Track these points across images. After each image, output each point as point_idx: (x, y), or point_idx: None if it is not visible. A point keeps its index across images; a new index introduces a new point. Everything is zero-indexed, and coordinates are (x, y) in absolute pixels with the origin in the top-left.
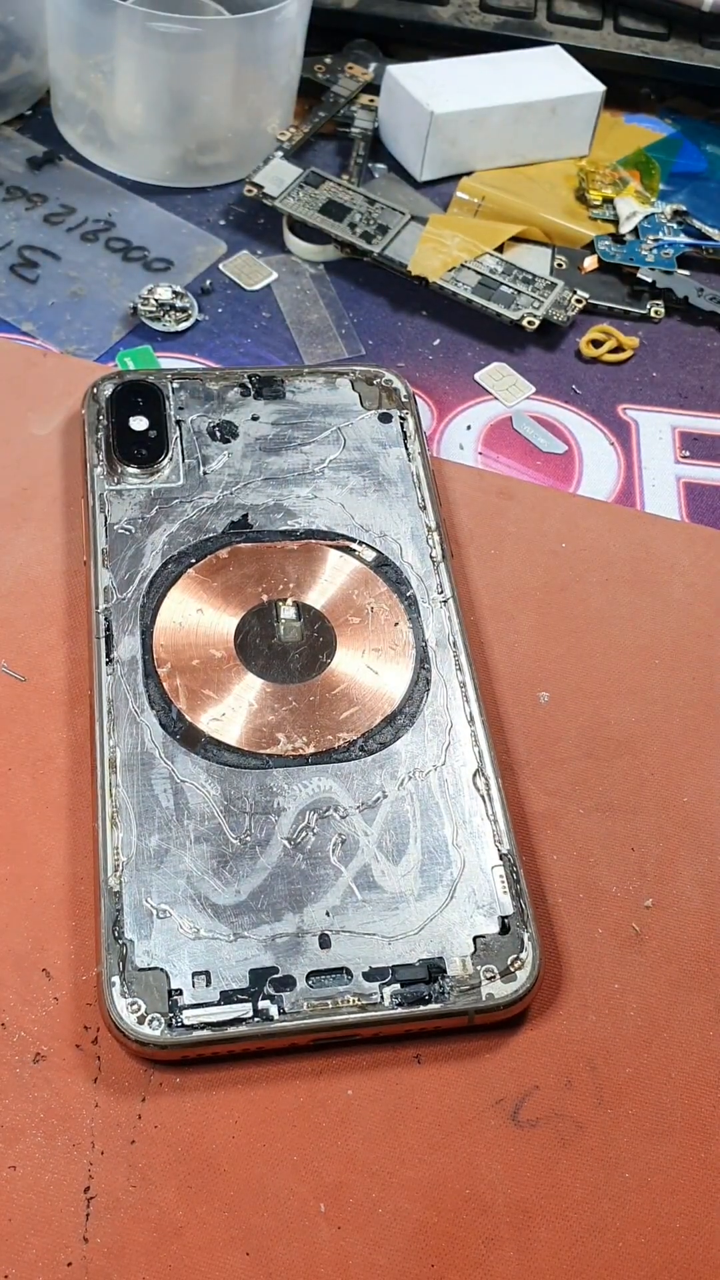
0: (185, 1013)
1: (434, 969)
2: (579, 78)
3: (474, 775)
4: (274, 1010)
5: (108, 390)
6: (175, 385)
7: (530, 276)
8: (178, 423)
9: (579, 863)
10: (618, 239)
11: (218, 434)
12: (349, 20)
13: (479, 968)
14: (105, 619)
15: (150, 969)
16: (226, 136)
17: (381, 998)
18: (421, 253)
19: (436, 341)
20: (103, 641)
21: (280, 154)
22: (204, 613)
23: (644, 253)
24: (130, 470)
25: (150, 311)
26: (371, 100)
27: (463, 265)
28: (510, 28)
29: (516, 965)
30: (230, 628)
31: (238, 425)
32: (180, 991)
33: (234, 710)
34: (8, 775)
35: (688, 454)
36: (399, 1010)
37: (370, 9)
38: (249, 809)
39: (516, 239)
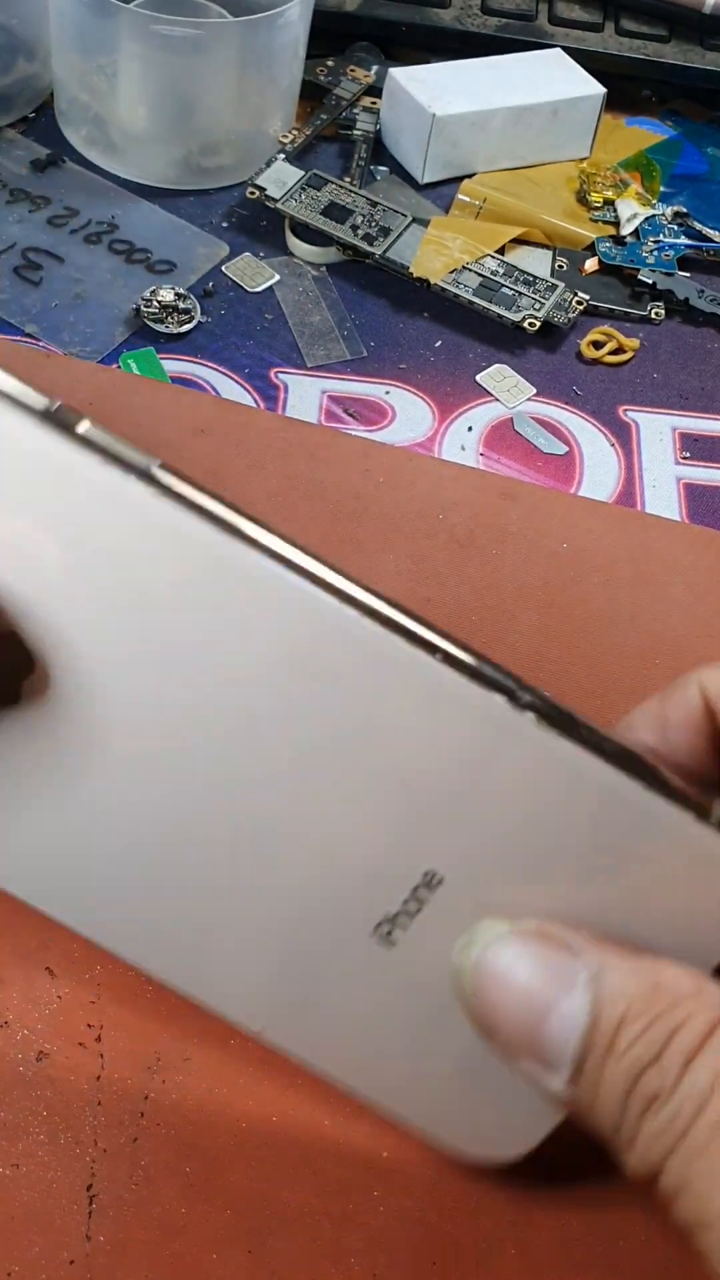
0: None
1: None
2: (580, 80)
3: None
4: None
5: None
6: None
7: (531, 278)
8: None
9: None
10: (618, 241)
11: None
12: (351, 23)
13: None
14: None
15: None
16: (229, 139)
17: None
18: (423, 255)
19: (438, 343)
20: None
21: (282, 156)
22: None
23: (645, 254)
24: None
25: (153, 313)
26: (373, 103)
27: (464, 267)
28: (511, 30)
29: None
30: None
31: None
32: None
33: None
34: None
35: (688, 455)
36: None
37: (372, 12)
38: None
39: (518, 241)
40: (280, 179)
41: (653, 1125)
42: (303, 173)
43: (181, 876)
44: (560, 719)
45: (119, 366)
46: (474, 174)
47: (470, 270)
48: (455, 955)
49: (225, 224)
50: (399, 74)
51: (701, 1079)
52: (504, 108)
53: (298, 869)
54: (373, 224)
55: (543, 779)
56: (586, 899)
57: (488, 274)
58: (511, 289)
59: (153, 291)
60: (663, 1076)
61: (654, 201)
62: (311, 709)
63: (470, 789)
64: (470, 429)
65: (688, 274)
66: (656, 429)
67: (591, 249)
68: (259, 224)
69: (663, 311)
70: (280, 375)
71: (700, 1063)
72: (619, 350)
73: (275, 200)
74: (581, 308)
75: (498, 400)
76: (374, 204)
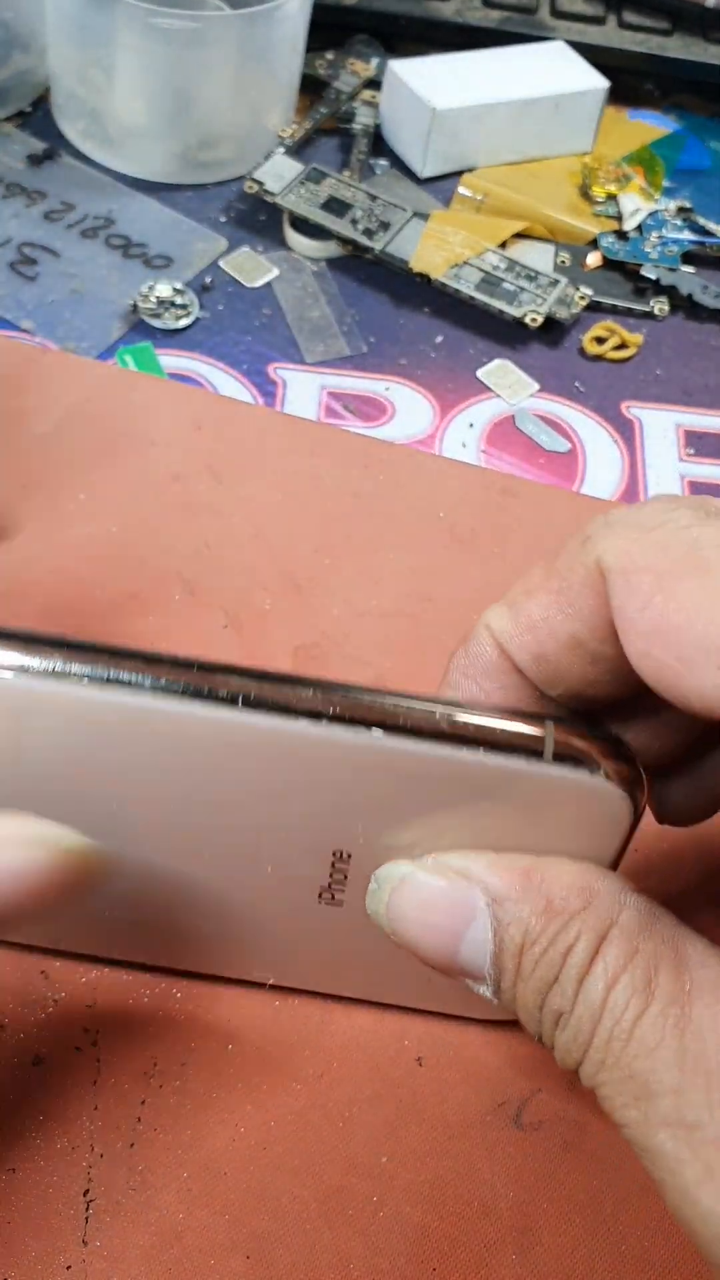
0: None
1: None
2: (582, 73)
3: None
4: None
5: None
6: None
7: (533, 273)
8: None
9: None
10: (621, 235)
11: None
12: (351, 16)
13: None
14: None
15: None
16: (227, 133)
17: None
18: (424, 249)
19: (439, 339)
20: None
21: (281, 150)
22: None
23: (648, 249)
24: None
25: (150, 309)
26: (373, 96)
27: (465, 262)
28: (513, 23)
29: None
30: None
31: None
32: None
33: None
34: None
35: (692, 452)
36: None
37: (372, 4)
38: None
39: (519, 235)
40: (279, 173)
41: (562, 1038)
42: (302, 167)
43: (201, 913)
44: (364, 716)
45: (116, 362)
46: (475, 168)
47: (471, 265)
48: (368, 901)
49: (223, 218)
50: (399, 67)
51: (594, 996)
52: (505, 101)
53: (255, 882)
54: (372, 218)
55: (376, 771)
56: (474, 839)
57: (489, 269)
58: (513, 284)
59: (150, 286)
60: (563, 997)
61: (657, 196)
62: (205, 797)
63: (332, 793)
64: (471, 425)
65: (692, 269)
66: (660, 426)
67: (594, 244)
68: (257, 218)
69: (666, 307)
70: (279, 371)
71: (590, 980)
72: (622, 346)
73: (274, 194)
74: (584, 303)
75: (499, 396)
76: (374, 198)
